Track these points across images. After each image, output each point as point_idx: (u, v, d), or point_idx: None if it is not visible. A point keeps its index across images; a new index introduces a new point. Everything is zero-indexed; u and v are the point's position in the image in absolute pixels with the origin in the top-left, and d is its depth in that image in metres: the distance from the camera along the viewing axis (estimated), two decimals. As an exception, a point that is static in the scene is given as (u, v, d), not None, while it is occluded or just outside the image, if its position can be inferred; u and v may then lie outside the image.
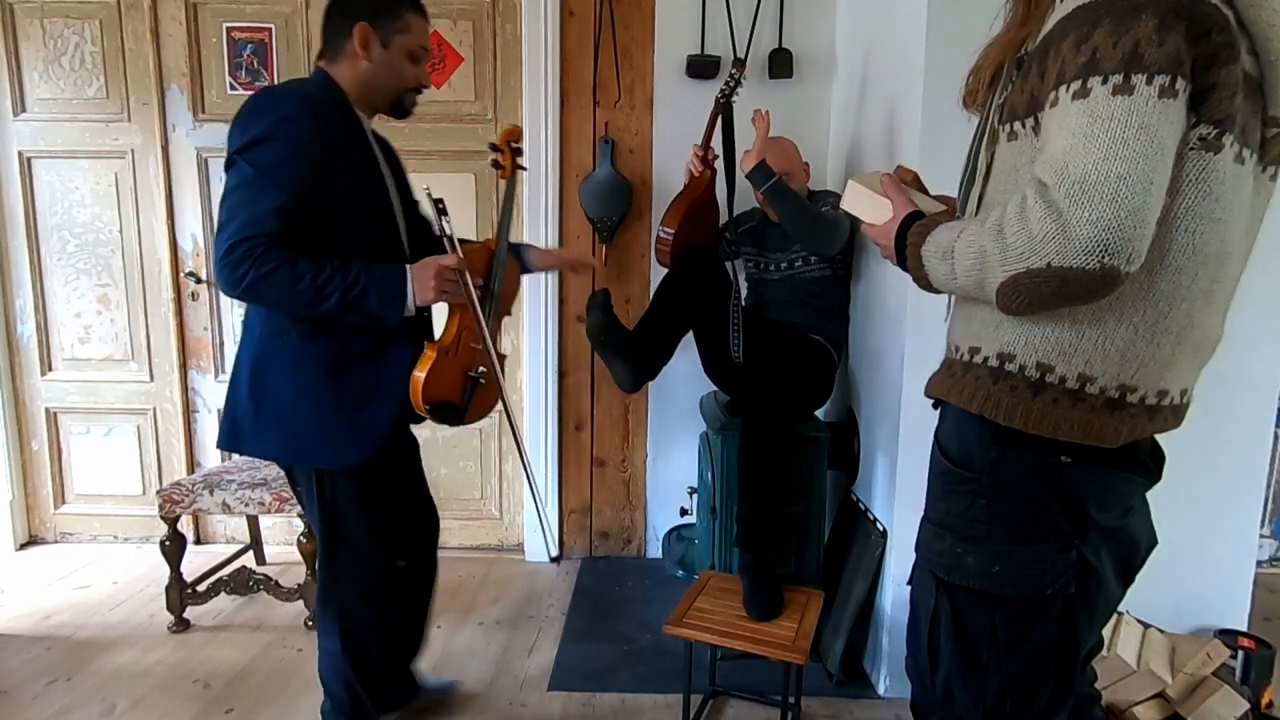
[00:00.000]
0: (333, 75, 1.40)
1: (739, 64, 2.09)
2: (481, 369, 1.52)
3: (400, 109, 1.48)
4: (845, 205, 1.06)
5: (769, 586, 1.79)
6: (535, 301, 2.63)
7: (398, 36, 1.40)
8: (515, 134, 1.72)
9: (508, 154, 1.70)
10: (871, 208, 1.01)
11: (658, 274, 2.43)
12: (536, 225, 2.58)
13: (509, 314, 1.59)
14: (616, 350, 1.94)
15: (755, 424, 1.93)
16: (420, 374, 1.44)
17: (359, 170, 1.38)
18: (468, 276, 1.43)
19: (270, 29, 2.55)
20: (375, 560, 1.51)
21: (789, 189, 1.95)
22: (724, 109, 2.09)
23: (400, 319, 1.35)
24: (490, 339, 1.53)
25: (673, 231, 2.12)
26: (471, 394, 1.52)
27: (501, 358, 1.59)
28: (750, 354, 2.03)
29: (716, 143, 2.14)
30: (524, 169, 1.78)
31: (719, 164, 2.16)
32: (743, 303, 2.22)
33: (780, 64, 2.47)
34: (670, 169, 2.54)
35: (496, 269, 1.51)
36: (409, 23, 1.41)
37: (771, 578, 1.82)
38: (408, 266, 1.37)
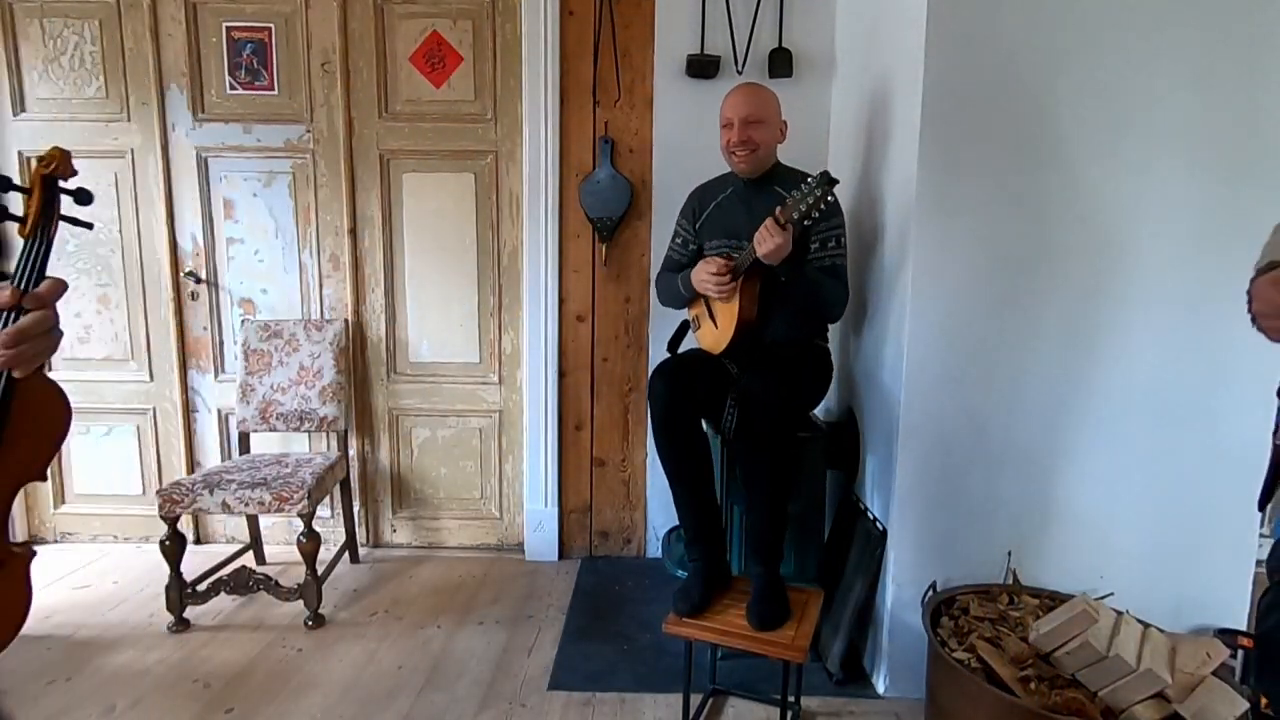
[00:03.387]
0: None
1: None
2: None
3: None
4: None
5: (775, 597, 1.75)
6: (536, 301, 2.63)
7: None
8: (58, 163, 0.92)
9: (36, 194, 0.91)
10: None
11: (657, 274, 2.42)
12: (537, 225, 2.58)
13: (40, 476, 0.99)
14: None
15: (759, 435, 1.80)
16: None
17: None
18: None
19: (270, 29, 2.56)
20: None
21: (807, 274, 1.85)
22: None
23: None
24: None
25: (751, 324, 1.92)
26: None
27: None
28: (742, 365, 1.93)
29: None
30: (77, 223, 0.96)
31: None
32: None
33: (780, 64, 2.47)
34: (670, 169, 2.54)
35: None
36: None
37: (780, 590, 1.78)
38: None
